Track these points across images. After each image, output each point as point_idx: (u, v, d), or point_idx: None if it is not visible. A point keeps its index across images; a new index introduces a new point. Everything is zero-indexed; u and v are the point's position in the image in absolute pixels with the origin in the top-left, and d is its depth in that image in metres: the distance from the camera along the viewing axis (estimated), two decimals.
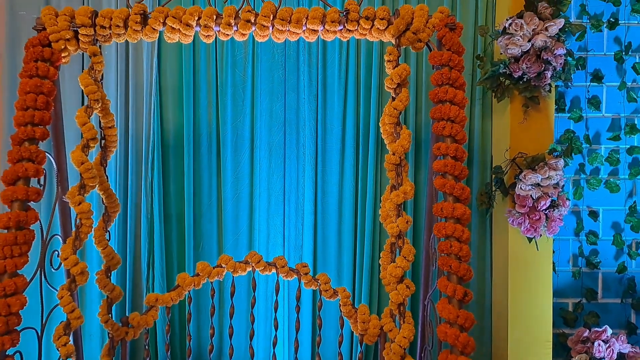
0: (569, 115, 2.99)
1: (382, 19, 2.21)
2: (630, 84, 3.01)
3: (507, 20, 2.68)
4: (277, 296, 2.58)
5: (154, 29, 2.24)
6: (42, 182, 2.15)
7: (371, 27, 2.24)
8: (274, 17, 2.22)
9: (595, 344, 2.75)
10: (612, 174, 3.03)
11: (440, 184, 2.06)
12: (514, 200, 2.74)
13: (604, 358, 2.75)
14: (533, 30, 2.65)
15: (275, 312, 2.58)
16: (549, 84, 2.73)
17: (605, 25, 2.97)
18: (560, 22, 2.64)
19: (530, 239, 2.75)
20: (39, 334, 2.17)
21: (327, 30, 2.26)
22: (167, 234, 3.00)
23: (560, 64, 2.68)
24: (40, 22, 2.23)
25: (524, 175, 2.67)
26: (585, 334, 2.82)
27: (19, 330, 1.97)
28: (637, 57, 3.01)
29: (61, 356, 2.15)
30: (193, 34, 2.29)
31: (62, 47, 2.22)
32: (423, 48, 2.27)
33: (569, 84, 2.86)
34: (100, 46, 2.31)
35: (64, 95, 2.70)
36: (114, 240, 2.90)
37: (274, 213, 3.03)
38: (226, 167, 3.00)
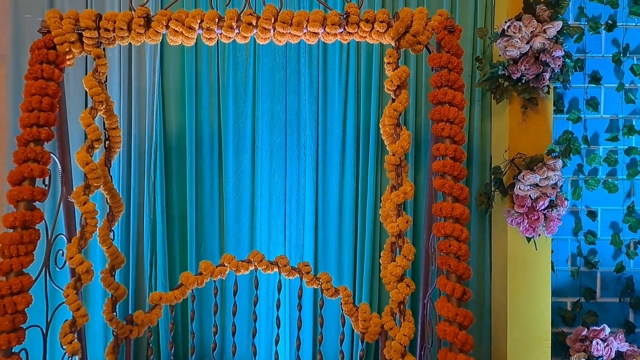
0: (567, 116, 3.02)
1: (382, 22, 2.23)
2: (628, 85, 3.03)
3: (505, 22, 2.70)
4: (279, 295, 2.61)
5: (157, 31, 2.27)
6: (47, 182, 2.18)
7: (371, 30, 2.27)
8: (275, 20, 2.25)
9: (594, 342, 2.77)
10: (611, 175, 3.05)
11: (439, 184, 2.08)
12: (512, 201, 2.77)
13: (602, 357, 2.77)
14: (531, 32, 2.67)
15: (278, 310, 2.61)
16: (548, 86, 2.75)
17: (603, 27, 3.00)
18: (559, 24, 2.67)
19: (529, 239, 2.77)
20: (44, 331, 2.20)
21: (328, 33, 2.29)
22: (170, 233, 3.02)
23: (559, 65, 2.70)
24: (45, 25, 2.26)
25: (523, 175, 2.70)
26: (584, 333, 2.84)
27: (24, 328, 2.00)
28: (635, 58, 3.04)
29: (67, 354, 2.18)
30: (195, 36, 2.32)
31: (67, 49, 2.25)
32: (422, 50, 2.29)
33: (568, 85, 2.89)
34: (104, 49, 2.34)
35: (68, 97, 2.73)
36: (117, 240, 2.93)
37: (275, 213, 3.05)
38: (228, 167, 3.03)
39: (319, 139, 3.04)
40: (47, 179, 2.16)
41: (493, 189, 2.85)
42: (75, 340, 2.19)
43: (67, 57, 2.29)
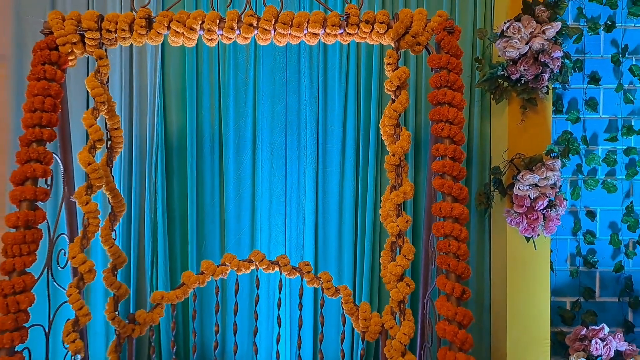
0: (566, 116, 3.03)
1: (381, 23, 2.24)
2: (627, 85, 3.05)
3: (505, 23, 2.72)
4: (280, 294, 2.62)
5: (158, 32, 2.28)
6: (49, 182, 2.19)
7: (371, 31, 2.28)
8: (276, 21, 2.26)
9: (593, 342, 2.79)
10: (609, 175, 3.06)
11: (438, 184, 2.09)
12: (512, 201, 2.78)
13: (601, 356, 2.78)
14: (530, 33, 2.69)
15: (279, 309, 2.62)
16: (547, 86, 2.77)
17: (602, 28, 3.01)
18: (558, 25, 2.68)
19: (528, 239, 2.79)
20: (46, 330, 2.22)
21: (328, 34, 2.30)
22: (171, 233, 3.04)
23: (558, 66, 2.72)
24: (48, 26, 2.27)
25: (522, 175, 2.71)
26: (583, 332, 2.85)
27: (27, 327, 2.01)
28: (634, 59, 3.05)
29: (71, 353, 2.19)
30: (197, 37, 2.33)
31: (69, 50, 2.26)
32: (422, 51, 2.30)
33: (567, 86, 2.90)
34: (105, 49, 2.35)
35: (70, 97, 2.74)
36: (118, 240, 2.93)
37: (276, 213, 3.07)
38: (228, 167, 3.04)
39: (319, 139, 3.05)
40: (49, 179, 2.17)
41: (492, 189, 2.87)
42: (78, 339, 2.20)
43: (70, 58, 2.30)
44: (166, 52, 3.03)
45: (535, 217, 2.71)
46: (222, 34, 2.30)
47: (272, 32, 2.30)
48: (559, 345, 2.97)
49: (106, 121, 2.45)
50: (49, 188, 2.17)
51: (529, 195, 2.71)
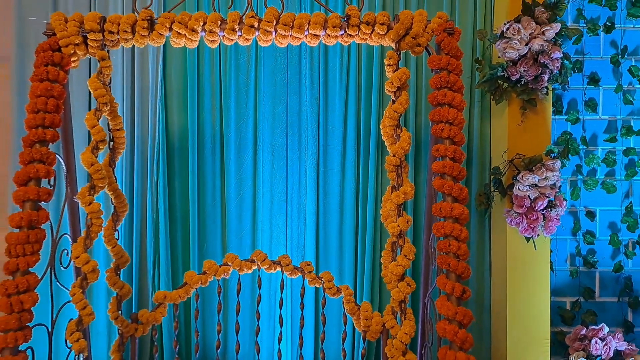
0: (566, 117, 3.04)
1: (382, 24, 2.26)
2: (626, 86, 3.06)
3: (504, 24, 2.73)
4: (282, 294, 2.63)
5: (160, 34, 2.30)
6: (52, 182, 2.20)
7: (371, 32, 2.29)
8: (277, 22, 2.27)
9: (593, 341, 2.80)
10: (609, 175, 3.08)
11: (439, 184, 2.11)
12: (512, 201, 2.79)
13: (601, 356, 2.79)
14: (530, 34, 2.70)
15: (280, 309, 2.63)
16: (546, 87, 2.77)
17: (601, 29, 3.02)
18: (557, 26, 2.69)
19: (528, 239, 2.80)
20: (49, 330, 2.23)
21: (329, 35, 2.31)
22: (172, 233, 3.05)
23: (557, 67, 2.73)
24: (50, 28, 2.28)
25: (522, 176, 2.72)
26: (583, 332, 2.86)
27: (30, 326, 2.03)
28: (633, 60, 3.06)
29: (74, 352, 2.20)
30: (198, 39, 2.35)
31: (72, 51, 2.27)
32: (422, 52, 2.31)
33: (566, 86, 2.91)
34: (108, 51, 2.37)
35: (72, 98, 2.76)
36: (120, 240, 2.94)
37: (277, 213, 3.08)
38: (230, 168, 3.06)
39: (320, 140, 3.06)
40: (52, 179, 2.18)
41: (492, 189, 2.88)
42: (82, 338, 2.22)
43: (72, 59, 2.31)
44: (167, 53, 3.04)
45: (535, 217, 2.72)
46: (224, 35, 2.32)
47: (273, 33, 2.31)
48: (559, 345, 2.98)
49: (109, 122, 2.46)
50: (51, 188, 2.18)
51: (528, 196, 2.73)
